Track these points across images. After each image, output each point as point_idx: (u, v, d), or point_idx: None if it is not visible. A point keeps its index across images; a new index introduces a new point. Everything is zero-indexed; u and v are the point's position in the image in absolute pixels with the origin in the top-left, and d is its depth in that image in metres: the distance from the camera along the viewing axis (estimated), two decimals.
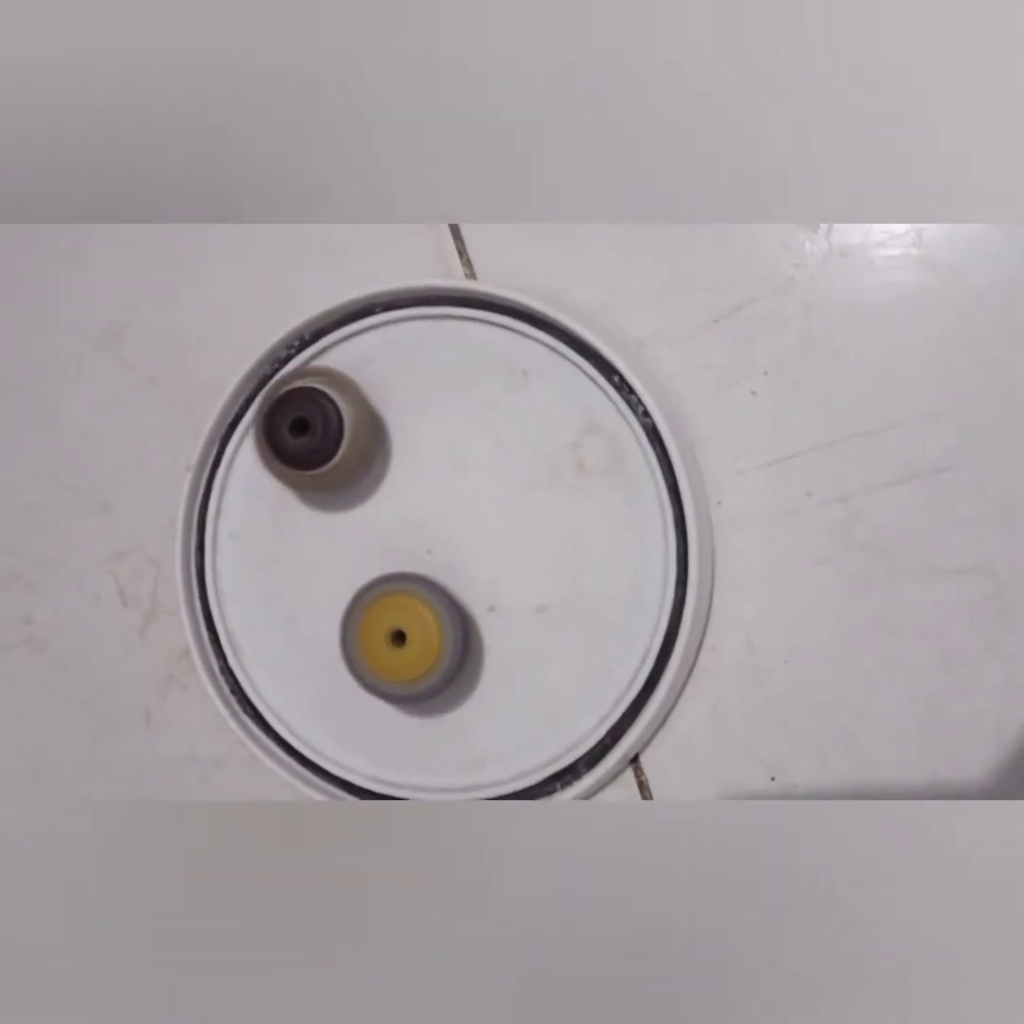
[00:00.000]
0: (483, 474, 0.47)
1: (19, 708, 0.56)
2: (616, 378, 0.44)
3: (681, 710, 0.45)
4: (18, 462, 0.56)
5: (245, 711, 0.50)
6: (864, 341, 0.43)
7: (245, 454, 0.50)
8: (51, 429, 0.56)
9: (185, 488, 0.51)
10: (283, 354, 0.49)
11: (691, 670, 0.44)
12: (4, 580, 0.56)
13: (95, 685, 0.55)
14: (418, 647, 0.44)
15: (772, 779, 0.43)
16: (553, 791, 0.45)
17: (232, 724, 0.49)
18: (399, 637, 0.44)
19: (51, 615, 0.56)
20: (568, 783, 0.45)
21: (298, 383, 0.46)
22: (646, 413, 0.43)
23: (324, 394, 0.45)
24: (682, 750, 0.45)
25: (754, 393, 0.44)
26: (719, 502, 0.44)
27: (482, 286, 0.46)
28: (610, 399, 0.44)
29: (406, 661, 0.44)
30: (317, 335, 0.49)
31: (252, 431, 0.47)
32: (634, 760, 0.45)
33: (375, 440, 0.47)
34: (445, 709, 0.47)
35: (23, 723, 0.56)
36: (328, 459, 0.45)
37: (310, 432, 0.45)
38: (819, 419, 0.43)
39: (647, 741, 0.45)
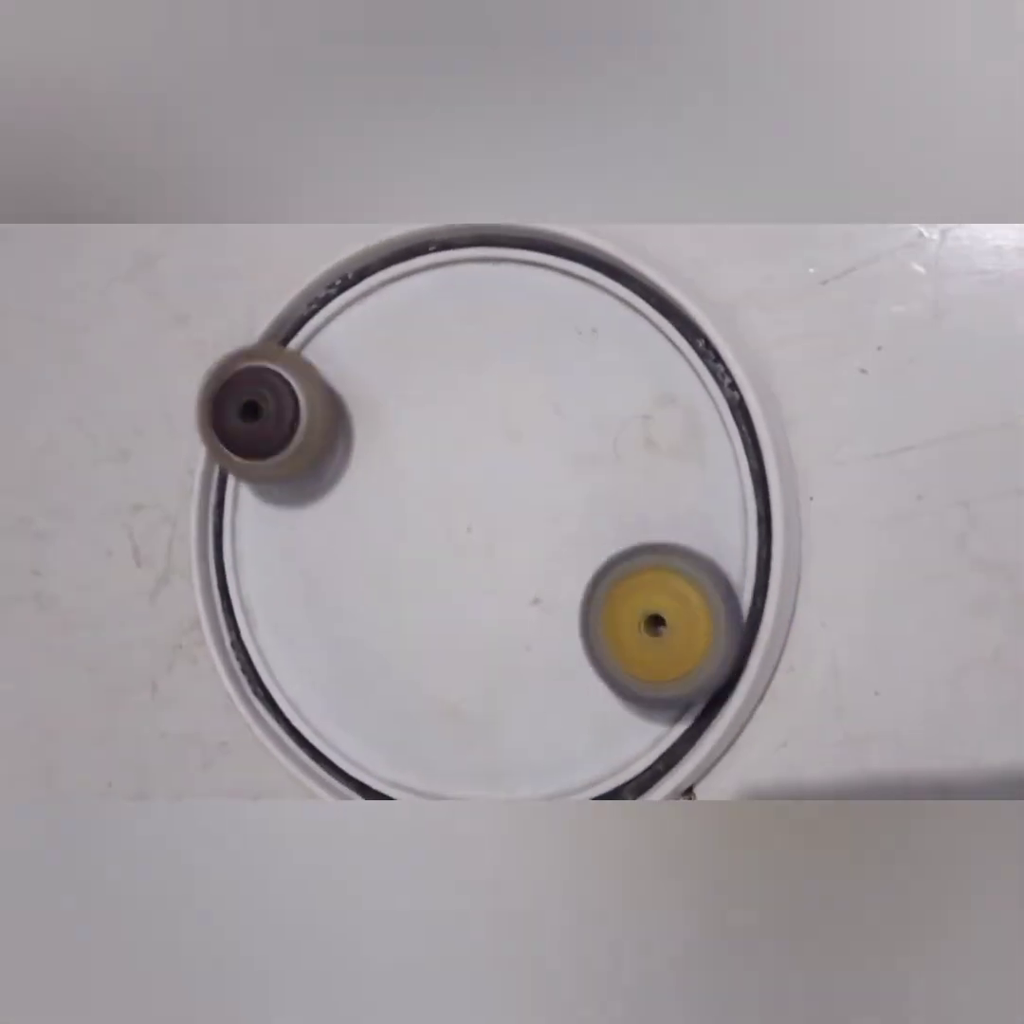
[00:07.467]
0: (535, 444, 0.41)
1: (21, 667, 0.52)
2: (701, 342, 0.38)
3: (748, 739, 0.38)
4: (33, 399, 0.51)
5: (255, 692, 0.45)
6: (1005, 316, 0.36)
7: None
8: (70, 365, 0.51)
9: None
10: (323, 293, 0.44)
11: (763, 694, 0.38)
12: (12, 525, 0.52)
13: (102, 648, 0.50)
14: (682, 636, 0.36)
15: None
16: None
17: (240, 706, 0.45)
18: (656, 622, 0.37)
19: (60, 568, 0.51)
20: None
21: (247, 364, 0.41)
22: (733, 385, 0.37)
23: (277, 375, 0.40)
24: (745, 786, 0.38)
25: (864, 371, 0.37)
26: (812, 498, 0.38)
27: (552, 227, 0.40)
28: (691, 366, 0.38)
29: (666, 655, 0.36)
30: (362, 274, 0.43)
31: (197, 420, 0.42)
32: (688, 792, 0.39)
33: (336, 425, 0.43)
34: (478, 711, 0.42)
35: (24, 683, 0.51)
36: (282, 447, 0.40)
37: (262, 416, 0.40)
38: (940, 407, 0.37)
39: (705, 772, 0.38)
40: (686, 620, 0.36)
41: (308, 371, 0.42)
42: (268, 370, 0.40)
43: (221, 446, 0.41)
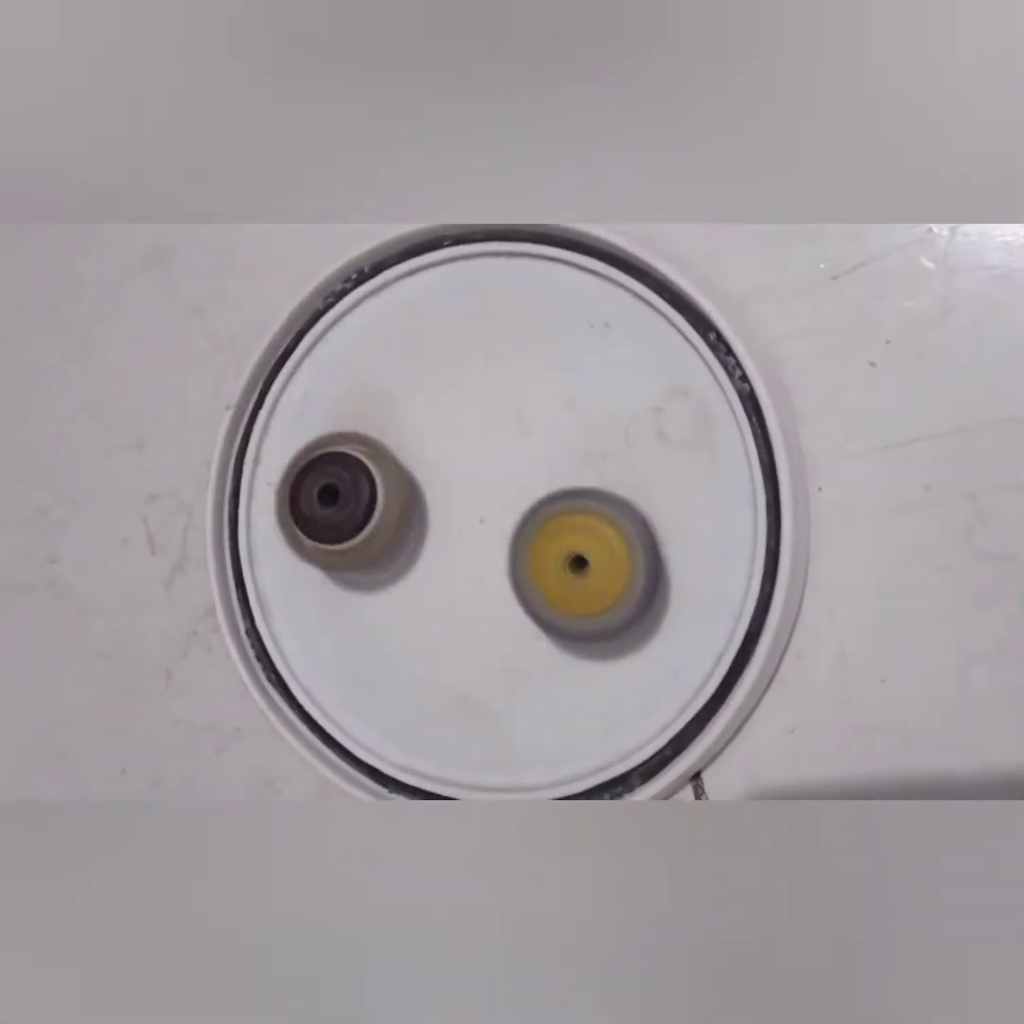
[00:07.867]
0: (547, 436, 0.41)
1: (35, 654, 0.52)
2: (712, 335, 0.38)
3: (754, 725, 0.39)
4: (49, 390, 0.52)
5: (269, 679, 0.46)
6: (1013, 312, 0.36)
7: (290, 396, 0.45)
8: (86, 357, 0.51)
9: (223, 429, 0.46)
10: (338, 287, 0.44)
11: (771, 680, 0.38)
12: (28, 514, 0.52)
13: (116, 636, 0.51)
14: (603, 574, 0.37)
15: None
16: None
17: (254, 692, 0.45)
18: (579, 563, 0.38)
19: (75, 557, 0.52)
20: (618, 795, 0.39)
21: (329, 448, 0.41)
22: (744, 378, 0.37)
23: (357, 461, 0.40)
24: (751, 771, 0.39)
25: (873, 364, 0.38)
26: (821, 488, 0.38)
27: (565, 222, 0.40)
28: (703, 359, 0.38)
29: (588, 592, 0.37)
30: (377, 269, 0.44)
31: (274, 502, 0.42)
32: (695, 777, 0.39)
33: (409, 513, 0.42)
34: (489, 699, 0.42)
35: (38, 670, 0.52)
36: (358, 531, 0.40)
37: (340, 502, 0.40)
38: (948, 400, 0.37)
39: (713, 757, 0.39)
40: (607, 559, 0.37)
41: (387, 459, 0.42)
42: (348, 456, 0.40)
43: (297, 530, 0.41)
